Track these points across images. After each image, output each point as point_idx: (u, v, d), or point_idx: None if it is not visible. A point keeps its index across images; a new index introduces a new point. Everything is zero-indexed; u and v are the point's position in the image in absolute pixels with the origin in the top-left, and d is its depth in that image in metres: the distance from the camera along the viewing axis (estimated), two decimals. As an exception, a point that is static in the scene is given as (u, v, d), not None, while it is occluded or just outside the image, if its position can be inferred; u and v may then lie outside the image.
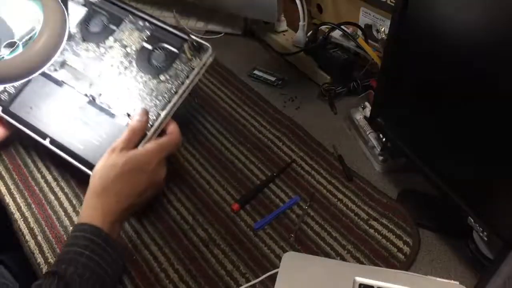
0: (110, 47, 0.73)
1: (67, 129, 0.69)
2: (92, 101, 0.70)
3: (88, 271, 0.53)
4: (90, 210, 0.59)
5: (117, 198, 0.60)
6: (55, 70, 0.73)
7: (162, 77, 0.69)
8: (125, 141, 0.63)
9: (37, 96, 0.72)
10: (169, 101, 0.67)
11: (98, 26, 0.75)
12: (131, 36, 0.73)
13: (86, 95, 0.70)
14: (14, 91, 0.72)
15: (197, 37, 0.70)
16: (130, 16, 0.74)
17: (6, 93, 0.72)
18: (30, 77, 0.74)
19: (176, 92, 0.67)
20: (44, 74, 0.72)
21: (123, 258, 0.60)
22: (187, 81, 0.67)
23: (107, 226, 0.57)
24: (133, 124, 0.64)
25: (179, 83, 0.68)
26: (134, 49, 0.72)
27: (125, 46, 0.73)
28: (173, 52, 0.70)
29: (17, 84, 0.72)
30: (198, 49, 0.69)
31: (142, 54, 0.71)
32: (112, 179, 0.60)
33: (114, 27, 0.74)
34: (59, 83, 0.72)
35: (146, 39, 0.72)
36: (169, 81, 0.69)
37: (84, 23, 0.75)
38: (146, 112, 0.66)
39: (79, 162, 0.66)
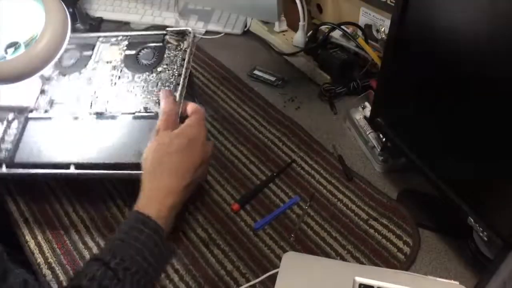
0: (94, 69, 0.74)
1: (87, 148, 0.66)
2: (100, 115, 0.69)
3: (135, 266, 0.51)
4: (148, 193, 0.57)
5: (177, 175, 0.59)
6: (46, 111, 0.71)
7: (159, 69, 0.72)
8: (164, 122, 0.62)
9: (39, 137, 0.68)
10: (178, 84, 0.69)
11: (72, 58, 0.75)
12: (110, 53, 0.74)
13: (90, 113, 0.69)
14: (11, 146, 0.67)
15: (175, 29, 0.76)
16: (101, 38, 0.76)
17: (3, 151, 0.67)
18: (32, 77, 0.74)
19: (180, 75, 0.70)
20: (35, 119, 0.70)
21: (172, 250, 0.58)
22: (185, 63, 0.71)
23: (166, 211, 0.56)
24: (163, 107, 0.64)
25: (178, 66, 0.71)
26: (119, 59, 0.73)
27: (109, 62, 0.74)
28: (158, 46, 0.73)
29: (11, 138, 0.68)
30: (180, 34, 0.74)
31: (129, 60, 0.73)
32: (167, 157, 0.59)
33: (89, 53, 0.75)
34: (56, 118, 0.70)
35: (126, 48, 0.74)
36: (168, 69, 0.71)
37: (58, 61, 0.73)
38: (168, 92, 0.66)
39: (118, 169, 0.63)
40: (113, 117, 0.69)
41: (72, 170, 0.65)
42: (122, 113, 0.69)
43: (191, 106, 0.67)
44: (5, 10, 0.76)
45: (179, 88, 0.68)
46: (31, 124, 0.69)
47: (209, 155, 0.64)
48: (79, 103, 0.71)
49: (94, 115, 0.69)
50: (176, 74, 0.70)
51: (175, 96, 0.66)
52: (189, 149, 0.60)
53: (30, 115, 0.70)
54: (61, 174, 0.65)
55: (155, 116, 0.66)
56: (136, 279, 0.51)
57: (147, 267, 0.52)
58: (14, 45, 0.74)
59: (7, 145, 0.68)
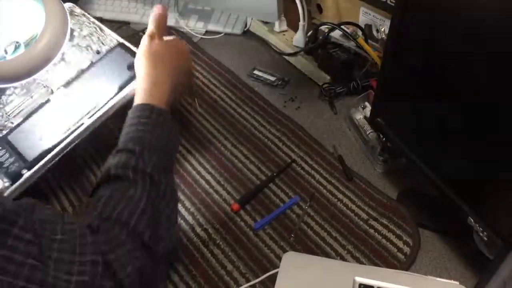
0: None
1: (85, 104, 0.73)
2: (67, 83, 0.76)
3: (154, 146, 0.56)
4: (147, 91, 0.62)
5: (170, 75, 0.65)
6: (12, 123, 0.74)
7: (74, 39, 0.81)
8: (157, 27, 0.68)
9: (32, 136, 0.72)
10: (102, 31, 0.81)
11: None
12: None
13: (57, 89, 0.76)
14: (14, 158, 0.71)
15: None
16: None
17: (12, 166, 0.70)
18: (32, 77, 0.74)
19: (93, 22, 0.83)
20: (11, 132, 0.73)
21: (178, 129, 0.64)
22: (92, 17, 0.84)
23: (165, 104, 0.62)
24: (156, 14, 0.69)
25: (88, 20, 0.84)
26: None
27: None
28: None
29: (7, 156, 0.71)
30: None
31: None
32: (161, 61, 0.65)
33: None
34: (31, 115, 0.74)
35: None
36: (78, 23, 0.83)
37: None
38: (162, 7, 0.70)
39: (121, 92, 0.73)
40: (79, 76, 0.76)
41: (87, 122, 0.71)
42: (83, 69, 0.77)
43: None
44: (5, 10, 0.76)
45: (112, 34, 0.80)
46: (13, 137, 0.73)
47: (191, 68, 0.73)
48: (39, 92, 0.76)
49: (62, 88, 0.75)
50: (97, 23, 0.82)
51: (166, 8, 0.71)
52: (178, 55, 0.68)
53: (2, 134, 0.74)
54: (84, 131, 0.71)
55: (110, 51, 0.78)
56: (157, 156, 0.56)
57: (164, 146, 0.58)
58: (14, 45, 0.74)
59: (10, 160, 0.71)
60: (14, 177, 0.69)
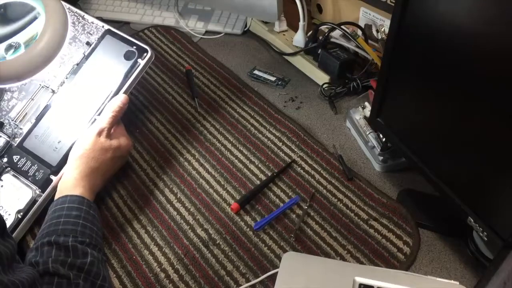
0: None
1: (93, 100, 0.74)
2: (69, 79, 0.75)
3: (87, 237, 0.60)
4: (80, 182, 0.66)
5: (102, 177, 0.70)
6: (21, 128, 0.74)
7: None
8: (111, 124, 0.70)
9: (47, 135, 0.72)
10: (84, 19, 0.79)
11: None
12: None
13: (61, 85, 0.75)
14: (37, 166, 0.71)
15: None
16: None
17: (39, 172, 0.70)
18: (32, 77, 0.74)
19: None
20: (21, 142, 0.72)
21: (98, 213, 0.67)
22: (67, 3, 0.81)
23: (91, 195, 0.67)
24: (116, 109, 0.71)
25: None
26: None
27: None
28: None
29: (27, 163, 0.71)
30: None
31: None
32: (102, 162, 0.68)
33: None
34: (40, 118, 0.74)
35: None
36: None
37: None
38: (127, 99, 0.73)
39: (126, 79, 0.74)
40: (76, 72, 0.75)
41: (99, 118, 0.71)
42: (77, 63, 0.75)
43: (119, 131, 0.73)
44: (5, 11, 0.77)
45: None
46: (28, 143, 0.72)
47: (128, 153, 0.75)
48: (40, 93, 0.75)
49: (64, 86, 0.75)
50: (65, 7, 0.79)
51: (127, 104, 0.72)
52: (118, 158, 0.71)
53: (16, 142, 0.73)
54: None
55: (100, 40, 0.76)
56: (91, 247, 0.59)
57: (94, 235, 0.62)
58: (14, 45, 0.75)
59: (34, 168, 0.71)
60: (43, 184, 0.69)
